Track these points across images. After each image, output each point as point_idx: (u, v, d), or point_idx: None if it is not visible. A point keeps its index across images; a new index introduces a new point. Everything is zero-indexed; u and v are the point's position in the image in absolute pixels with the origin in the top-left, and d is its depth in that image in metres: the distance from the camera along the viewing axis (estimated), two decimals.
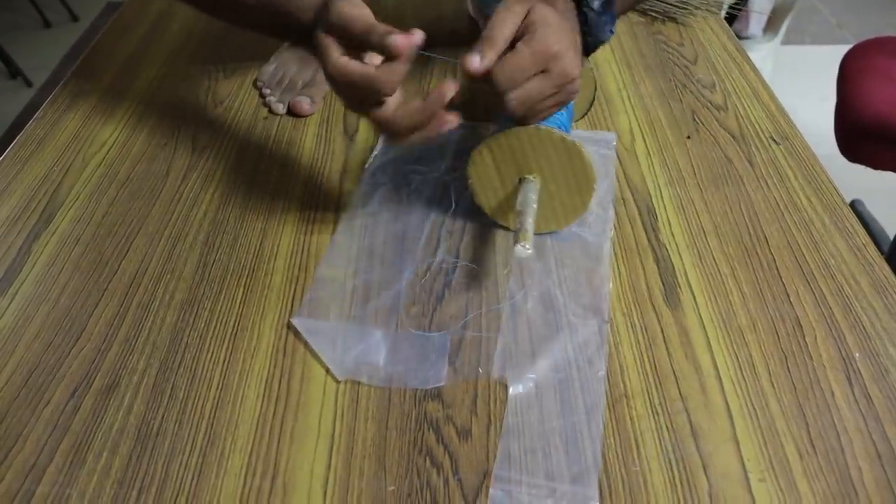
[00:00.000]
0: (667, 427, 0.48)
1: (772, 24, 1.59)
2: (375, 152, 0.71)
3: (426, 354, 0.52)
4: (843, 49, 1.30)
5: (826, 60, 1.51)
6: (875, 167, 1.11)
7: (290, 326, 0.54)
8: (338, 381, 0.51)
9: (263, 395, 0.50)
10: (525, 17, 0.51)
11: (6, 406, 0.50)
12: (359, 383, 0.50)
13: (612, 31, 0.61)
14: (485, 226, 0.63)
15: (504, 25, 0.50)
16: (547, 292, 0.57)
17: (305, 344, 0.53)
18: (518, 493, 0.44)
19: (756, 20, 1.58)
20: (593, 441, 0.47)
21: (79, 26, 2.64)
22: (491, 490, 0.44)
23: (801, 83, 1.94)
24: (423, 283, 0.58)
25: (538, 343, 0.53)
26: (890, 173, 1.14)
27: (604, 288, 0.57)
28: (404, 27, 0.51)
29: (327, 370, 0.51)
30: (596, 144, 0.72)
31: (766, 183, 0.67)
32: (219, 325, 0.55)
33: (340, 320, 0.55)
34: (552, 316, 0.55)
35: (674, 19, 0.93)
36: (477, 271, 0.59)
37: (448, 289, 0.57)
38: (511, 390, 0.50)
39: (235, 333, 0.54)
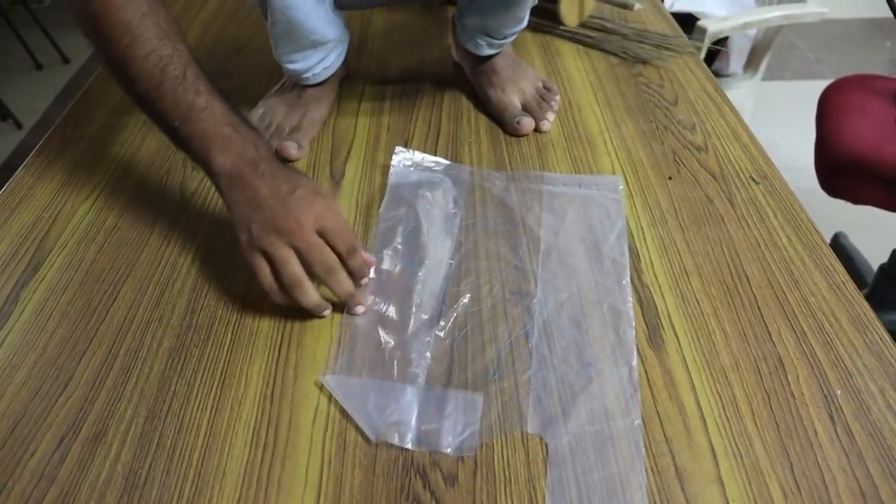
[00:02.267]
0: (651, 469, 0.48)
1: (752, 62, 1.63)
2: (389, 184, 0.73)
3: (458, 415, 0.51)
4: (823, 84, 1.33)
5: (806, 95, 1.54)
6: (855, 202, 1.13)
7: (319, 385, 0.54)
8: (327, 429, 0.51)
9: (251, 443, 0.50)
10: None
11: None
12: (345, 430, 0.51)
13: None
14: (507, 274, 0.63)
15: None
16: (573, 342, 0.57)
17: (293, 391, 0.53)
18: None
19: (736, 59, 1.62)
20: (640, 489, 0.47)
21: (70, 68, 2.67)
22: None
23: (782, 118, 1.98)
24: (444, 336, 0.58)
25: (570, 394, 0.53)
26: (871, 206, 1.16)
27: (628, 334, 0.57)
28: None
29: (357, 429, 0.51)
30: (602, 188, 0.73)
31: (747, 222, 0.68)
32: (206, 372, 0.55)
33: (369, 376, 0.54)
34: (581, 366, 0.55)
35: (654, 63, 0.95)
36: (499, 321, 0.59)
37: (470, 341, 0.57)
38: (551, 445, 0.49)
39: (223, 381, 0.54)
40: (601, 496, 0.47)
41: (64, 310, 0.61)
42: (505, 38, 0.81)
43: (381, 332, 0.58)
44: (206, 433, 0.51)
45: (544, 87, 0.85)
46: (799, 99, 1.68)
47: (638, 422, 0.51)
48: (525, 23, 0.80)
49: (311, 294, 0.56)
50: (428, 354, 0.56)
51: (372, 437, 0.50)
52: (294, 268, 0.55)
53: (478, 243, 0.66)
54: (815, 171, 1.21)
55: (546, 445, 0.50)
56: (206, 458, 0.49)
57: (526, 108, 0.82)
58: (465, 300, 0.61)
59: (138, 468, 0.49)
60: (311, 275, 0.56)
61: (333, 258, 0.56)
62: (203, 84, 0.59)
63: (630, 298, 0.60)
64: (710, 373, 0.54)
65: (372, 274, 0.61)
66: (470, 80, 0.88)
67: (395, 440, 0.50)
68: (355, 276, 0.58)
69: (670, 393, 0.53)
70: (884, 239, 1.34)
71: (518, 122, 0.80)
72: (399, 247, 0.66)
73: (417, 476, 0.47)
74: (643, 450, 0.49)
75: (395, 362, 0.56)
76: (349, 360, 0.56)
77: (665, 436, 0.50)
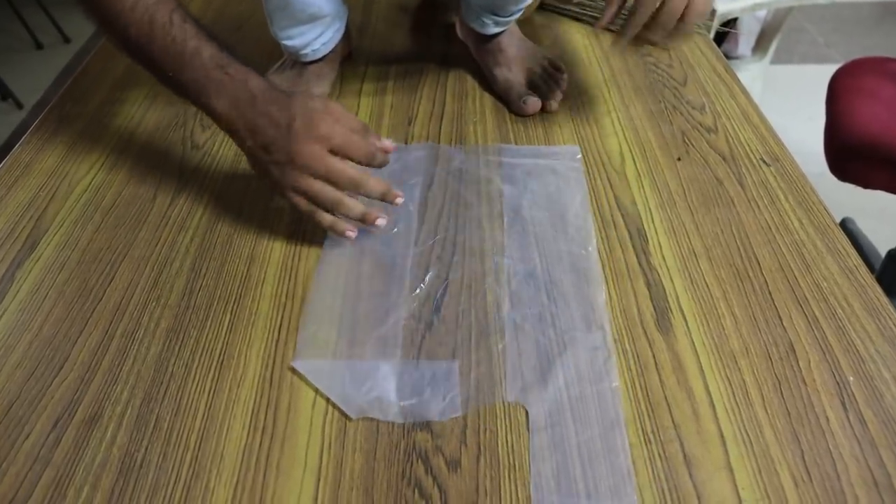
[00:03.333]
0: (659, 455, 0.47)
1: (760, 45, 1.60)
2: None
3: (438, 384, 0.51)
4: (832, 68, 1.31)
5: (814, 79, 1.52)
6: (865, 186, 1.11)
7: (292, 370, 0.53)
8: (326, 412, 0.50)
9: (249, 426, 0.49)
10: None
11: None
12: (345, 414, 0.49)
13: None
14: (474, 245, 0.62)
15: None
16: (545, 310, 0.57)
17: (293, 373, 0.52)
18: None
19: (745, 41, 1.59)
20: (624, 452, 0.47)
21: (71, 48, 2.64)
22: None
23: (790, 102, 1.96)
24: (415, 310, 0.57)
25: (546, 362, 0.53)
26: (879, 192, 1.14)
27: (599, 298, 0.57)
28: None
29: (336, 408, 0.50)
30: (561, 158, 0.72)
31: (757, 205, 0.67)
32: (204, 354, 0.54)
33: (340, 357, 0.54)
34: (553, 333, 0.55)
35: None
36: (469, 293, 0.58)
37: (439, 314, 0.57)
38: (531, 412, 0.49)
39: (221, 362, 0.53)
40: (583, 460, 0.47)
41: (60, 290, 0.60)
42: (511, 15, 0.79)
43: (344, 308, 0.58)
44: (203, 416, 0.50)
45: (551, 66, 0.83)
46: (807, 83, 1.66)
47: (616, 384, 0.51)
48: None
49: (354, 207, 0.59)
50: (400, 329, 0.56)
51: (352, 414, 0.49)
52: (326, 192, 0.58)
53: (441, 216, 0.66)
54: (824, 155, 1.19)
55: (527, 412, 0.49)
56: (203, 441, 0.48)
57: (532, 87, 0.80)
58: (433, 274, 0.60)
59: (134, 451, 0.48)
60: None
61: (353, 171, 0.58)
62: (190, 27, 0.58)
63: (597, 265, 0.61)
64: (719, 357, 0.53)
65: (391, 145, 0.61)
66: (475, 59, 0.86)
67: (378, 415, 0.49)
68: (382, 164, 0.60)
69: (678, 378, 0.52)
70: (891, 224, 1.32)
71: (524, 102, 0.78)
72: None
73: (419, 461, 0.46)
74: (622, 413, 0.49)
75: (364, 337, 0.55)
76: (310, 338, 0.55)
77: (673, 421, 0.49)
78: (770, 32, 1.57)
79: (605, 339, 0.54)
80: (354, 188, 0.58)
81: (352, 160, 0.58)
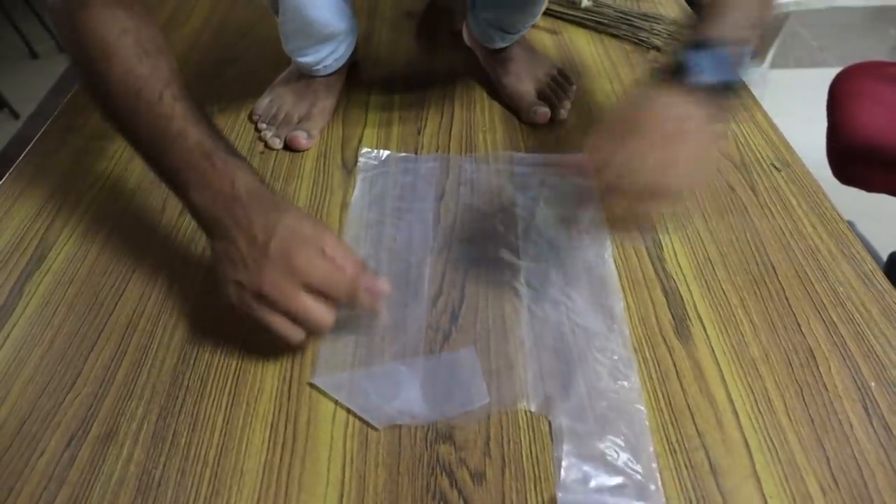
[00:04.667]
0: (685, 465, 0.46)
1: (759, 49, 1.61)
2: (356, 192, 0.70)
3: (460, 373, 0.52)
4: (826, 72, 1.32)
5: (810, 83, 1.52)
6: (869, 190, 1.12)
7: (311, 385, 0.52)
8: (347, 425, 0.49)
9: (269, 441, 0.48)
10: None
11: None
12: (366, 426, 0.49)
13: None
14: (489, 255, 0.62)
15: None
16: (562, 317, 0.57)
17: (311, 386, 0.52)
18: None
19: None
20: (647, 454, 0.47)
21: (66, 57, 2.63)
22: None
23: (786, 106, 1.96)
24: (433, 321, 0.56)
25: (567, 370, 0.53)
26: (879, 195, 1.14)
27: (617, 306, 0.57)
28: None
29: (357, 420, 0.50)
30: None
31: (770, 211, 0.67)
32: (220, 367, 0.53)
33: (359, 368, 0.53)
34: (573, 340, 0.55)
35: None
36: (486, 302, 0.58)
37: (457, 324, 0.56)
38: (554, 423, 0.49)
39: (238, 376, 0.53)
40: (611, 456, 0.47)
41: (70, 303, 0.59)
42: (518, 31, 0.78)
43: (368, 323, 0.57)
44: (221, 431, 0.49)
45: (560, 76, 0.83)
46: (803, 87, 1.66)
47: (637, 385, 0.52)
48: (539, 16, 0.78)
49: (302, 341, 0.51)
50: (420, 340, 0.55)
51: (378, 424, 0.49)
52: (283, 329, 0.49)
53: (454, 227, 0.66)
54: (820, 160, 1.19)
55: (549, 422, 0.49)
56: (222, 456, 0.47)
57: (541, 97, 0.80)
58: (449, 284, 0.60)
59: (152, 468, 0.47)
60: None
61: (322, 315, 0.49)
62: (180, 106, 0.51)
63: (614, 272, 0.61)
64: (739, 365, 0.53)
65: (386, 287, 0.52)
66: (483, 67, 0.86)
67: (408, 420, 0.49)
68: (368, 309, 0.51)
69: (700, 386, 0.51)
70: (892, 228, 1.32)
71: (534, 112, 0.78)
72: (379, 230, 0.66)
73: (444, 474, 0.46)
74: (644, 409, 0.50)
75: (386, 351, 0.55)
76: (330, 354, 0.54)
77: (697, 430, 0.48)
78: (769, 37, 1.58)
79: (626, 345, 0.54)
80: (317, 332, 0.51)
81: (330, 298, 0.50)
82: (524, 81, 0.81)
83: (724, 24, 0.52)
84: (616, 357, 0.53)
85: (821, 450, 0.47)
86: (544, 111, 0.78)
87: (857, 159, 1.12)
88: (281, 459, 0.47)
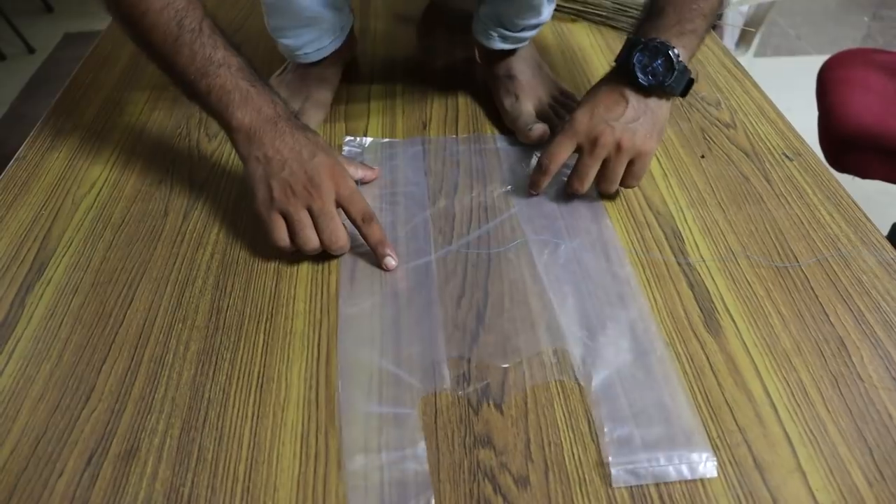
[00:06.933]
0: (730, 462, 0.46)
1: (745, 38, 1.62)
2: None
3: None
4: (804, 59, 1.33)
5: (789, 71, 1.53)
6: (863, 176, 1.12)
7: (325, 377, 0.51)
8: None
9: (301, 453, 0.46)
10: None
11: (14, 480, 0.45)
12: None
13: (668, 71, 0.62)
14: (510, 256, 0.60)
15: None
16: (575, 287, 0.58)
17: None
18: (638, 469, 0.45)
19: (729, 33, 1.60)
20: (689, 405, 0.49)
21: (35, 58, 2.55)
22: (613, 471, 0.45)
23: (769, 95, 1.98)
24: (459, 321, 0.55)
25: (600, 366, 0.52)
26: (865, 183, 1.15)
27: (625, 269, 0.59)
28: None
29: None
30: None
31: (787, 200, 0.66)
32: (242, 376, 0.51)
33: (386, 374, 0.52)
34: (602, 335, 0.54)
35: None
36: (511, 301, 0.56)
37: (483, 323, 0.55)
38: (594, 414, 0.49)
39: (261, 385, 0.51)
40: (652, 417, 0.48)
41: (76, 314, 0.56)
42: (521, 30, 0.74)
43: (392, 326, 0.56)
44: (249, 444, 0.47)
45: (563, 96, 0.79)
46: (783, 76, 1.67)
47: (664, 348, 0.53)
48: (544, 16, 0.73)
49: (314, 251, 0.59)
50: (439, 342, 0.54)
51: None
52: (308, 232, 0.57)
53: (448, 205, 0.67)
54: (819, 147, 1.20)
55: (589, 422, 0.49)
56: (252, 470, 0.45)
57: (541, 117, 0.76)
58: (471, 281, 0.59)
59: (179, 485, 0.45)
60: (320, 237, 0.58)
61: (342, 232, 0.58)
62: (220, 38, 0.58)
63: (613, 230, 0.63)
64: (772, 357, 0.52)
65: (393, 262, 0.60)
66: (487, 85, 0.82)
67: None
68: (373, 244, 0.59)
69: (735, 380, 0.51)
70: (882, 216, 1.35)
71: (530, 129, 0.73)
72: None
73: (486, 480, 0.44)
74: (677, 368, 0.52)
75: (412, 353, 0.53)
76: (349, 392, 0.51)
77: (738, 425, 0.48)
78: (754, 25, 1.59)
79: (641, 312, 0.56)
80: (329, 245, 0.58)
81: (349, 215, 0.59)
82: (523, 101, 0.76)
83: (659, 26, 0.62)
84: (647, 352, 0.52)
85: (862, 441, 0.47)
86: (539, 127, 0.73)
87: (851, 147, 1.13)
88: (315, 472, 0.45)
